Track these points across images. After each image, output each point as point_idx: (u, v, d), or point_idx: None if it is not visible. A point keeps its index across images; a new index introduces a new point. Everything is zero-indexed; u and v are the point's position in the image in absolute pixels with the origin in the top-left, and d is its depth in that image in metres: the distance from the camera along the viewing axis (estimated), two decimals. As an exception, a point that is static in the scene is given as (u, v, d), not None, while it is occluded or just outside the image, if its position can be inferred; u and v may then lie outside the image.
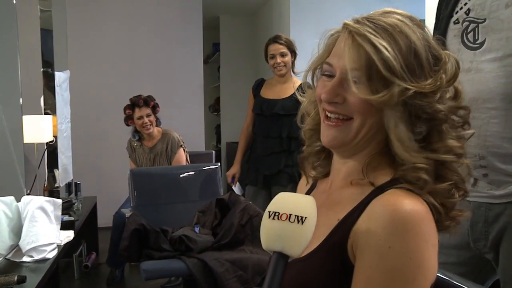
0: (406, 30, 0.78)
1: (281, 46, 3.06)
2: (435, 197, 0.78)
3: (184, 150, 3.74)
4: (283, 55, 3.06)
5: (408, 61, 0.77)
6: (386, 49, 0.76)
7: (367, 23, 0.79)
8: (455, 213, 0.81)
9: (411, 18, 0.82)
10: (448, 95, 0.81)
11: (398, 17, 0.80)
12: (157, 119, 3.67)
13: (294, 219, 0.70)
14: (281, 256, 0.69)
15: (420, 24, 0.82)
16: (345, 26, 0.81)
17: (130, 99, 3.61)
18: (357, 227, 0.78)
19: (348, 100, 0.81)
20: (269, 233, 0.71)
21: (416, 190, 0.77)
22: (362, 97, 0.78)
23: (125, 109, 3.61)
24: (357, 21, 0.80)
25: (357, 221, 0.78)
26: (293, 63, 3.12)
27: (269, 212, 0.72)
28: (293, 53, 3.11)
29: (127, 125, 3.66)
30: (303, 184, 1.05)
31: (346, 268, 0.77)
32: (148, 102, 3.56)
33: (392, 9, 0.83)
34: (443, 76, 0.79)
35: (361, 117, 0.80)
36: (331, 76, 0.84)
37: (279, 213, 0.71)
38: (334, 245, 0.80)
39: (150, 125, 3.56)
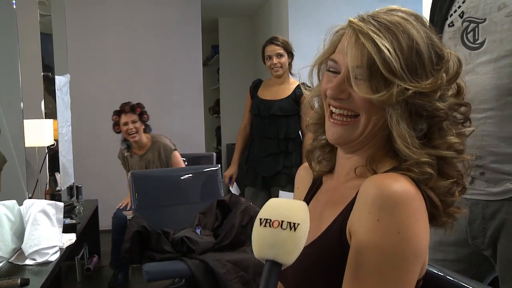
0: (409, 29, 0.78)
1: (277, 47, 3.07)
2: (436, 192, 0.79)
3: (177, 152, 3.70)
4: (279, 56, 3.08)
5: (409, 61, 0.77)
6: (388, 49, 0.76)
7: (372, 21, 0.79)
8: (453, 209, 0.82)
9: (416, 16, 0.82)
10: (450, 92, 0.82)
11: (403, 15, 0.81)
12: (146, 126, 3.61)
13: (286, 225, 0.68)
14: (274, 265, 0.68)
15: (425, 22, 0.83)
16: (350, 23, 0.82)
17: (120, 106, 3.57)
18: (352, 211, 0.79)
19: (353, 96, 0.81)
20: (261, 241, 0.69)
21: (411, 174, 0.78)
22: (362, 96, 0.79)
23: (112, 115, 3.58)
24: (362, 19, 0.81)
25: (353, 207, 0.79)
26: (290, 64, 3.13)
27: (261, 219, 0.70)
28: (290, 54, 3.12)
29: (116, 132, 3.61)
30: (303, 172, 1.04)
31: (345, 252, 0.78)
32: (134, 108, 3.51)
33: (397, 7, 0.83)
34: (444, 75, 0.79)
35: (367, 114, 0.81)
36: (336, 72, 0.84)
37: (270, 220, 0.69)
38: (333, 233, 0.82)
39: (136, 132, 3.51)
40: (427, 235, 0.77)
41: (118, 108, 3.58)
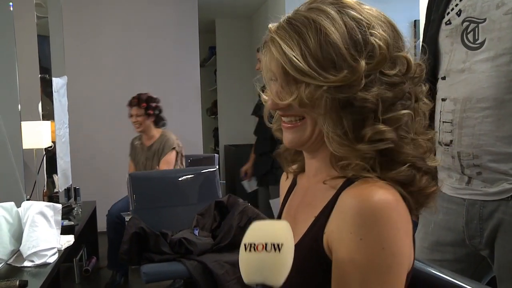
0: (320, 22, 0.76)
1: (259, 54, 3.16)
2: (399, 184, 0.77)
3: (177, 152, 3.77)
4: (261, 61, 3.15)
5: (320, 57, 0.75)
6: (291, 51, 0.75)
7: (284, 24, 0.79)
8: (425, 191, 0.80)
9: (338, 2, 0.79)
10: (396, 70, 0.78)
11: (320, 5, 0.78)
12: (159, 120, 3.76)
13: (270, 247, 0.68)
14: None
15: (351, 5, 0.79)
16: (268, 31, 0.82)
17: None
18: (329, 223, 0.78)
19: (291, 103, 0.80)
20: (248, 266, 0.69)
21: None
22: (280, 103, 0.80)
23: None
24: (278, 24, 0.81)
25: (329, 217, 0.78)
26: None
27: (245, 244, 0.70)
28: None
29: None
30: (284, 180, 1.05)
31: (325, 264, 0.77)
32: (140, 102, 3.67)
33: None
34: (363, 62, 0.75)
35: (310, 115, 0.80)
36: (276, 80, 0.84)
37: (254, 244, 0.69)
38: (310, 243, 0.80)
39: (139, 124, 3.67)
40: (410, 239, 0.76)
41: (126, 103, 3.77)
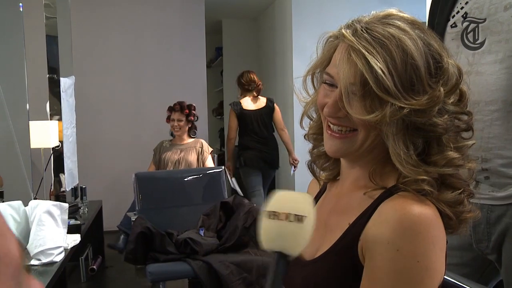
0: (404, 41, 0.75)
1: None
2: (445, 204, 0.78)
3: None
4: None
5: (403, 77, 0.75)
6: (380, 68, 0.74)
7: (365, 34, 0.76)
8: (465, 216, 0.81)
9: (412, 23, 0.79)
10: (451, 100, 0.79)
11: (399, 24, 0.77)
12: (190, 128, 4.01)
13: (293, 218, 0.68)
14: (282, 256, 0.68)
15: (422, 27, 0.80)
16: (342, 37, 0.79)
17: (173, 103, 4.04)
18: (366, 230, 0.78)
19: (350, 114, 0.79)
20: (269, 233, 0.70)
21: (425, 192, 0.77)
22: (357, 117, 0.78)
23: (167, 109, 4.03)
24: (354, 31, 0.78)
25: (366, 224, 0.79)
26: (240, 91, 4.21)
27: (268, 211, 0.71)
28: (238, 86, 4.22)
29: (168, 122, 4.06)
30: (314, 185, 1.04)
31: (357, 270, 0.78)
32: (183, 109, 3.95)
33: (395, 12, 0.81)
34: (441, 89, 0.76)
35: (365, 130, 0.80)
36: (332, 85, 0.82)
37: (278, 212, 0.69)
38: (344, 248, 0.81)
39: (179, 129, 3.94)
40: (443, 255, 0.77)
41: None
